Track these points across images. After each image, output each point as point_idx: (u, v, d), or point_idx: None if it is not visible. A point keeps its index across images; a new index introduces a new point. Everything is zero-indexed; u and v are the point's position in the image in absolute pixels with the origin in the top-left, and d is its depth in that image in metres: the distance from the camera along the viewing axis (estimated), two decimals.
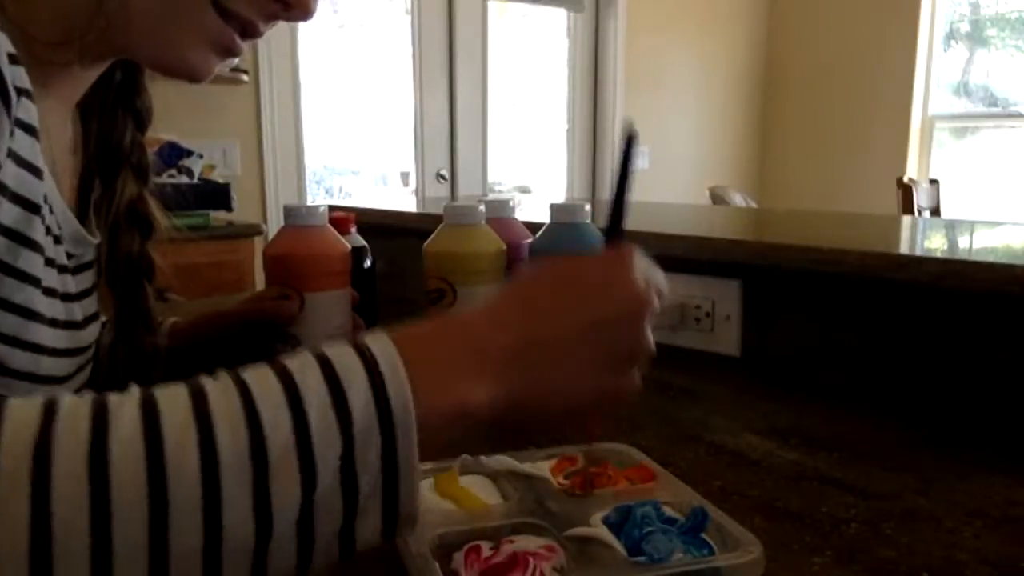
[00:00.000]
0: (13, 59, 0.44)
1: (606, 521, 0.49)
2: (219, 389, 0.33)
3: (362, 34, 3.57)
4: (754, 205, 4.15)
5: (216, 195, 2.60)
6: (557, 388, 0.41)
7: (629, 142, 0.48)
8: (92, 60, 0.57)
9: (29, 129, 0.46)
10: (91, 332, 0.63)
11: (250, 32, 0.57)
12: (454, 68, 3.75)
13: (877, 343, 0.86)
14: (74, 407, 0.31)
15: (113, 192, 0.65)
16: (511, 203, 0.89)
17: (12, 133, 0.44)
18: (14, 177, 0.46)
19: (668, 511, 0.50)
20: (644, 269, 0.44)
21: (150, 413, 0.31)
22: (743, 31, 4.89)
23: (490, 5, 3.85)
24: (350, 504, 0.34)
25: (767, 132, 5.08)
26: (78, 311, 0.60)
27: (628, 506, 0.50)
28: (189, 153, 2.58)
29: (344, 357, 0.35)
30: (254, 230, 2.69)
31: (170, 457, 0.30)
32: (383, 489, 0.34)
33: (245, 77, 3.00)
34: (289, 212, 0.77)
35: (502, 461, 0.58)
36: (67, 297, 0.57)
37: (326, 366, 0.35)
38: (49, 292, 0.53)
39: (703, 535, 0.48)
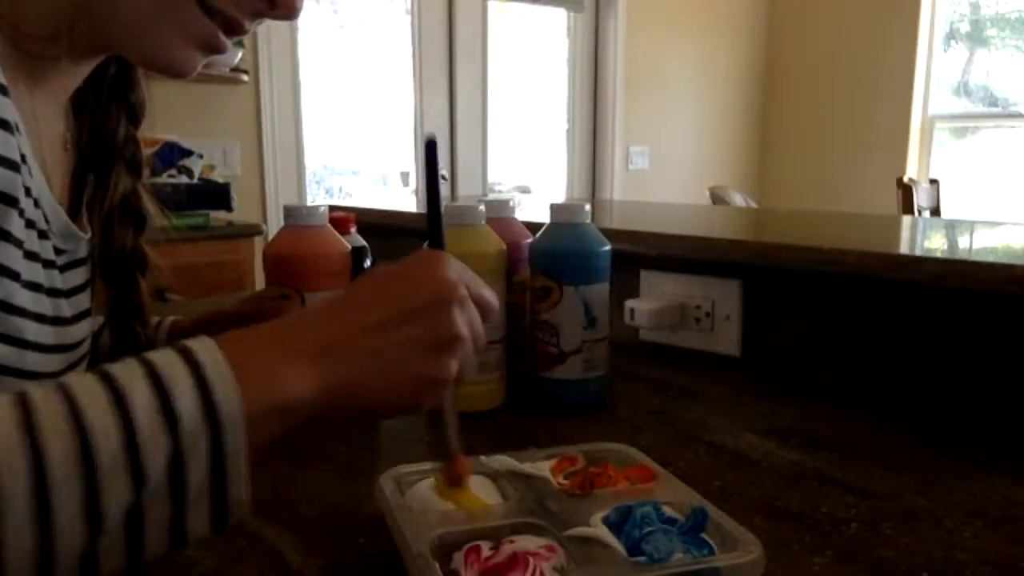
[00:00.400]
0: None
1: (606, 521, 0.49)
2: (43, 397, 0.34)
3: (362, 34, 3.57)
4: (754, 205, 4.15)
5: (216, 195, 2.60)
6: (377, 371, 0.43)
7: (429, 149, 0.53)
8: (81, 55, 0.57)
9: (2, 123, 0.46)
10: (82, 328, 0.62)
11: (235, 29, 0.57)
12: (454, 68, 3.75)
13: (877, 343, 0.86)
14: None
15: (107, 187, 0.65)
16: (511, 203, 0.89)
17: None
18: None
19: (668, 511, 0.50)
20: (456, 268, 0.47)
21: None
22: (743, 31, 4.89)
23: (490, 5, 3.85)
24: (179, 501, 0.35)
25: (767, 132, 5.08)
26: (67, 307, 0.59)
27: (628, 506, 0.50)
28: (189, 153, 2.58)
29: (166, 359, 0.37)
30: (254, 230, 2.69)
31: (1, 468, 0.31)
32: (211, 483, 0.36)
33: (245, 77, 3.00)
34: (289, 212, 0.77)
35: (502, 461, 0.57)
36: (54, 292, 0.57)
37: (150, 369, 0.36)
38: (33, 287, 0.53)
39: (703, 535, 0.48)
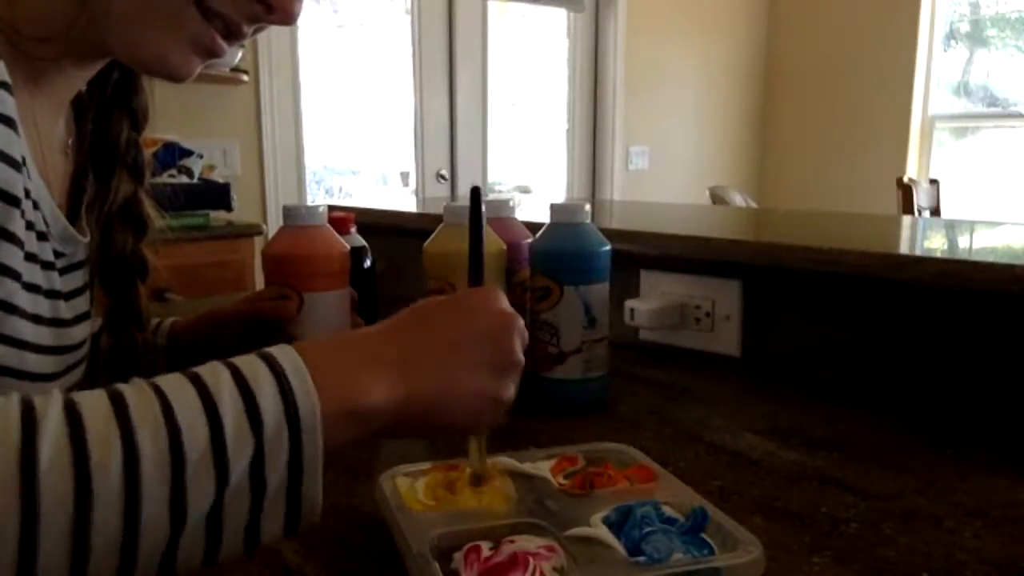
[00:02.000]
0: None
1: (606, 521, 0.49)
2: (137, 394, 0.35)
3: (362, 34, 3.57)
4: (754, 205, 4.15)
5: (216, 195, 2.60)
6: (448, 387, 0.45)
7: (475, 197, 0.56)
8: (79, 58, 0.57)
9: (6, 120, 0.46)
10: (81, 331, 0.63)
11: (234, 33, 0.56)
12: (454, 68, 3.75)
13: (877, 343, 0.86)
14: (2, 411, 0.33)
15: (108, 191, 0.65)
16: (511, 203, 0.89)
17: None
18: None
19: (668, 511, 0.50)
20: (506, 301, 0.51)
21: (73, 417, 0.33)
22: (743, 31, 4.89)
23: (490, 5, 3.85)
24: (257, 502, 0.36)
25: (767, 132, 5.08)
26: (66, 309, 0.60)
27: (628, 506, 0.50)
28: (189, 153, 2.58)
29: (251, 365, 0.38)
30: (254, 230, 2.69)
31: (94, 457, 0.32)
32: (288, 488, 0.37)
33: (245, 77, 3.00)
34: (288, 212, 0.77)
35: (502, 461, 0.57)
36: (53, 294, 0.57)
37: (236, 374, 0.37)
38: (32, 288, 0.53)
39: (703, 535, 0.48)
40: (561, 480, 0.56)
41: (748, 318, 0.97)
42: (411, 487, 0.55)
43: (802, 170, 4.92)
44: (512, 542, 0.46)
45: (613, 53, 4.25)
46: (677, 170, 4.59)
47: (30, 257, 0.52)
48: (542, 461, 0.58)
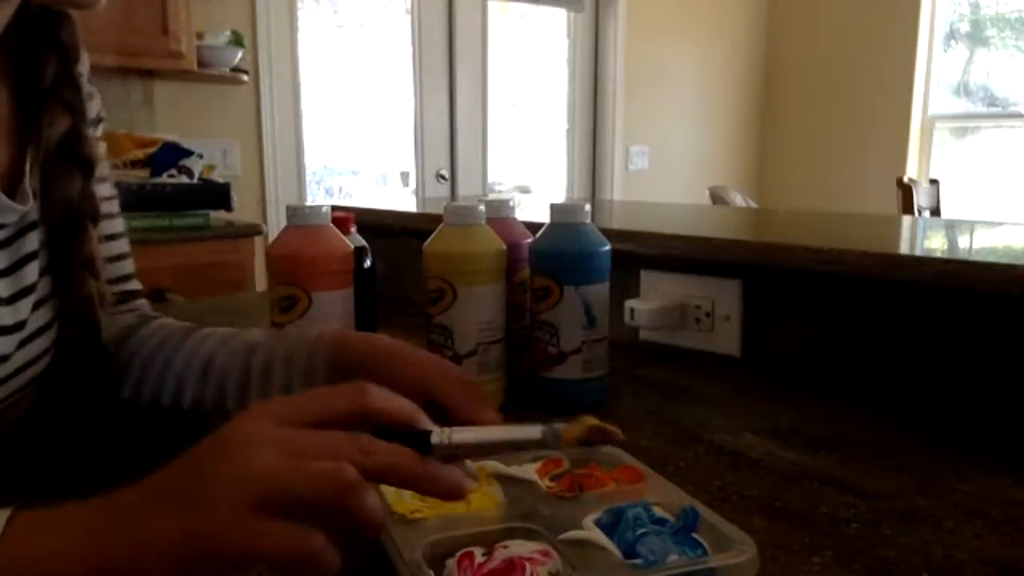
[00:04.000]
0: None
1: (598, 523, 0.49)
2: None
3: (362, 34, 3.57)
4: (754, 205, 4.15)
5: (216, 195, 2.60)
6: (136, 542, 0.35)
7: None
8: None
9: None
10: (22, 308, 0.57)
11: None
12: (454, 68, 3.75)
13: (877, 343, 0.86)
14: None
15: (39, 132, 0.59)
16: (511, 203, 0.89)
17: None
18: None
19: (659, 512, 0.50)
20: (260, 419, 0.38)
21: None
22: (743, 31, 4.89)
23: (490, 5, 3.85)
24: None
25: (767, 132, 5.08)
26: (2, 288, 0.55)
27: (619, 508, 0.49)
28: (189, 153, 2.58)
29: None
30: (254, 230, 2.69)
31: None
32: None
33: (245, 77, 3.00)
34: (292, 212, 0.77)
35: (488, 465, 0.57)
36: None
37: None
38: None
39: (695, 535, 0.48)
40: (548, 483, 0.55)
41: (748, 318, 0.97)
42: (398, 491, 0.53)
43: (802, 170, 4.92)
44: (505, 547, 0.46)
45: (613, 53, 4.26)
46: (677, 170, 4.59)
47: None
48: (528, 464, 0.58)
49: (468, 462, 0.56)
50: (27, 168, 0.58)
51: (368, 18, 3.58)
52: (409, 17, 3.62)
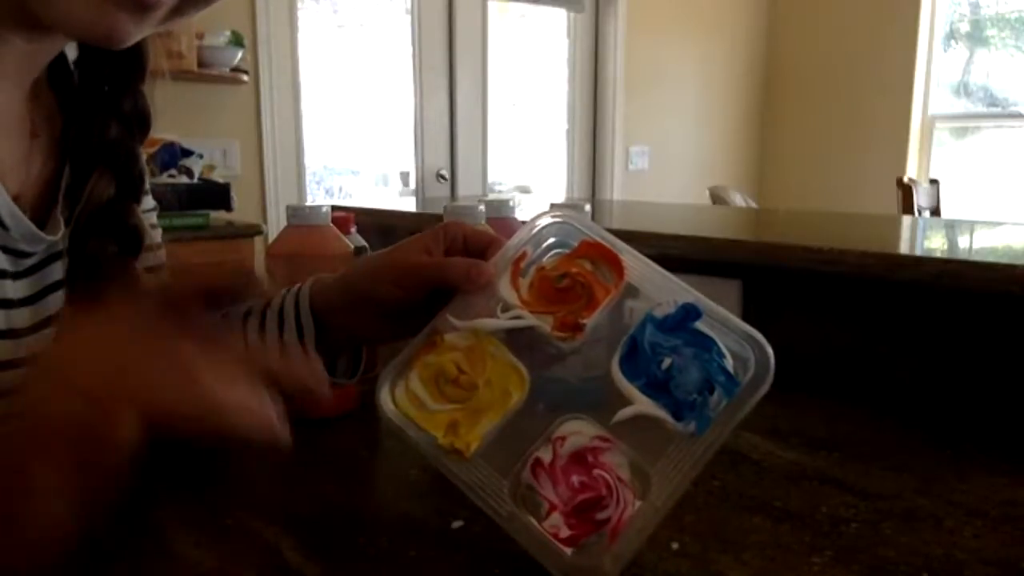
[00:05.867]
0: None
1: (621, 364, 0.49)
2: None
3: (362, 34, 3.57)
4: (754, 205, 4.15)
5: (216, 195, 2.60)
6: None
7: None
8: (18, 29, 0.51)
9: None
10: (43, 338, 0.56)
11: None
12: (454, 68, 3.75)
13: (877, 343, 0.86)
14: None
15: (82, 190, 0.59)
16: (511, 203, 0.89)
17: None
18: None
19: (659, 312, 0.50)
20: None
21: None
22: (743, 31, 4.89)
23: (490, 5, 3.85)
24: None
25: (767, 132, 5.09)
26: (20, 318, 0.54)
27: (631, 338, 0.50)
28: (189, 153, 2.58)
29: None
30: (254, 230, 2.69)
31: None
32: None
33: (245, 77, 3.00)
34: (293, 212, 0.77)
35: (482, 324, 0.52)
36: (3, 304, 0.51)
37: None
38: None
39: (704, 331, 0.49)
40: (552, 331, 0.52)
41: (748, 318, 0.96)
42: (411, 397, 0.51)
43: (802, 170, 4.93)
44: (563, 439, 0.48)
45: (613, 53, 4.26)
46: (677, 170, 4.60)
47: None
48: (515, 307, 0.53)
49: (455, 321, 0.52)
50: (60, 196, 0.58)
51: (368, 18, 3.58)
52: (409, 17, 3.62)
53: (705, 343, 0.49)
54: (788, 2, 4.94)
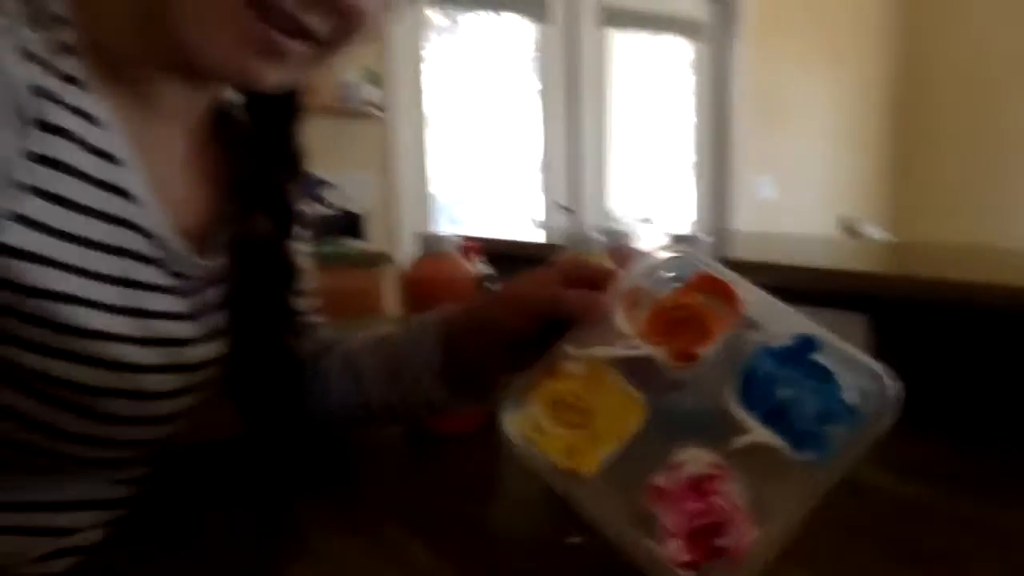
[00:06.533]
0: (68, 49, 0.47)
1: (738, 395, 0.50)
2: None
3: (487, 68, 3.69)
4: (889, 237, 3.96)
5: (350, 224, 2.76)
6: None
7: None
8: (175, 74, 0.56)
9: (93, 119, 0.49)
10: (205, 350, 0.60)
11: (297, 28, 0.52)
12: (578, 100, 3.81)
13: (1013, 380, 0.82)
14: None
15: (243, 225, 0.64)
16: (630, 233, 0.92)
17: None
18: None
19: (776, 344, 0.50)
20: None
21: None
22: (876, 54, 4.71)
23: (614, 39, 3.90)
24: None
25: (904, 160, 4.85)
26: (178, 329, 0.58)
27: (748, 368, 0.50)
28: (326, 184, 2.75)
29: None
30: (384, 258, 2.82)
31: None
32: None
33: (379, 113, 3.17)
34: (424, 240, 0.83)
35: (598, 352, 0.54)
36: (157, 315, 0.56)
37: None
38: (127, 311, 0.52)
39: (821, 362, 0.49)
40: (668, 360, 0.53)
41: (876, 353, 0.94)
42: (532, 421, 0.53)
43: (944, 199, 4.65)
44: (680, 464, 0.48)
45: (739, 83, 4.20)
46: (807, 201, 4.46)
47: (120, 281, 0.52)
48: (631, 337, 0.54)
49: (569, 349, 0.55)
50: (220, 227, 0.62)
51: (493, 52, 3.70)
52: (533, 51, 3.72)
53: (824, 375, 0.49)
54: (925, 23, 4.72)
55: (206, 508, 0.62)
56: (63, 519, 0.56)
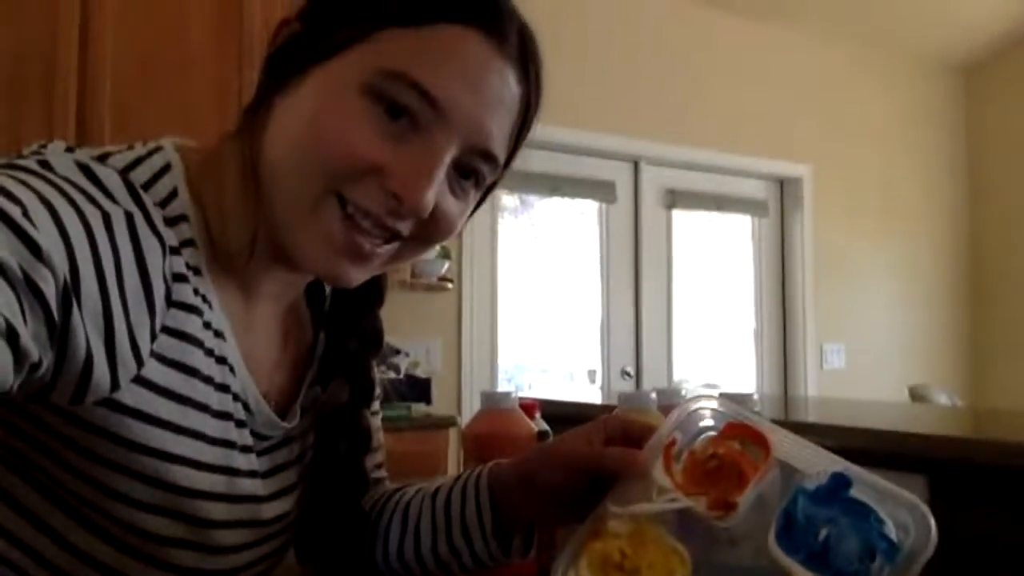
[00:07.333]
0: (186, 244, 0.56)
1: (778, 538, 0.50)
2: None
3: (555, 242, 3.87)
4: (961, 404, 3.82)
5: (418, 389, 2.84)
6: None
7: None
8: (277, 264, 0.62)
9: (207, 300, 0.56)
10: (278, 505, 0.65)
11: (380, 228, 0.57)
12: (640, 270, 3.93)
13: None
14: None
15: (324, 395, 0.70)
16: (683, 391, 0.96)
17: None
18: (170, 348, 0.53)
19: (809, 484, 0.51)
20: None
21: None
22: (943, 217, 4.71)
23: (674, 213, 4.07)
24: None
25: (976, 324, 4.73)
26: (262, 487, 0.62)
27: (784, 511, 0.51)
28: (397, 351, 2.86)
29: None
30: (449, 422, 2.87)
31: None
32: None
33: (450, 285, 3.34)
34: (486, 397, 0.89)
35: (639, 509, 0.56)
36: (249, 474, 0.61)
37: None
38: (223, 470, 0.58)
39: (860, 500, 0.49)
40: (706, 509, 0.54)
41: (935, 514, 0.93)
42: None
43: (1019, 365, 4.49)
44: None
45: (800, 253, 4.28)
46: (876, 368, 4.37)
47: (219, 442, 0.58)
48: (670, 491, 0.56)
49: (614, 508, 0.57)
50: (302, 392, 0.68)
51: (561, 226, 3.89)
52: (598, 227, 3.90)
53: (862, 511, 0.50)
54: (990, 182, 4.74)
55: None
56: None
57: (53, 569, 0.53)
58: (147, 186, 0.55)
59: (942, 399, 3.63)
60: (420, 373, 3.03)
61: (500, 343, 3.61)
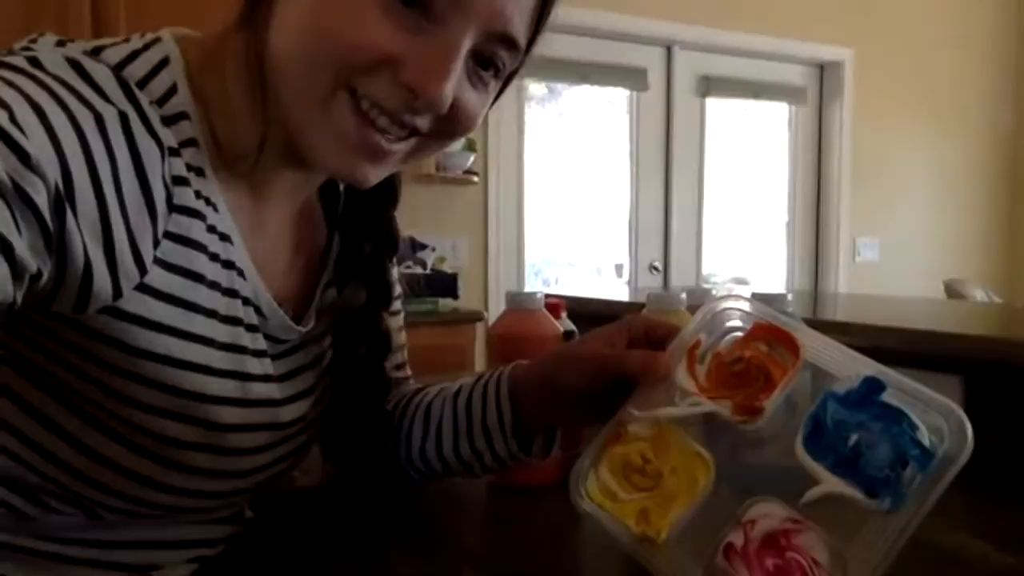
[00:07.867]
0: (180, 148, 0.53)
1: (806, 444, 0.49)
2: None
3: (583, 131, 3.78)
4: (997, 300, 3.77)
5: (444, 284, 2.85)
6: None
7: None
8: (287, 165, 0.59)
9: (212, 203, 0.54)
10: (295, 408, 0.64)
11: (396, 124, 0.54)
12: (670, 161, 3.84)
13: None
14: None
15: (341, 298, 0.69)
16: (713, 291, 0.93)
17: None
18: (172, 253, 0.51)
19: (837, 387, 0.49)
20: None
21: None
22: (983, 111, 4.53)
23: (708, 101, 3.93)
24: None
25: (1015, 218, 4.61)
26: (278, 390, 0.62)
27: (813, 416, 0.49)
28: (424, 246, 2.86)
29: None
30: (476, 316, 2.89)
31: None
32: None
33: (475, 178, 3.29)
34: (512, 297, 0.87)
35: (663, 413, 0.55)
36: (263, 378, 0.60)
37: None
38: (234, 375, 0.57)
39: (892, 403, 0.47)
40: (731, 414, 0.53)
41: (970, 416, 0.91)
42: (602, 488, 0.54)
43: None
44: (753, 522, 0.48)
45: (838, 144, 4.14)
46: (911, 262, 4.30)
47: (229, 347, 0.57)
48: (693, 394, 0.54)
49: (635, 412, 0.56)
50: (317, 294, 0.67)
51: (589, 116, 3.79)
52: (628, 115, 3.79)
53: (895, 416, 0.48)
54: None
55: (296, 553, 0.66)
56: (161, 556, 0.61)
57: (73, 471, 0.53)
58: (143, 82, 0.52)
59: (978, 295, 3.57)
60: (447, 268, 3.03)
61: (527, 237, 3.58)
